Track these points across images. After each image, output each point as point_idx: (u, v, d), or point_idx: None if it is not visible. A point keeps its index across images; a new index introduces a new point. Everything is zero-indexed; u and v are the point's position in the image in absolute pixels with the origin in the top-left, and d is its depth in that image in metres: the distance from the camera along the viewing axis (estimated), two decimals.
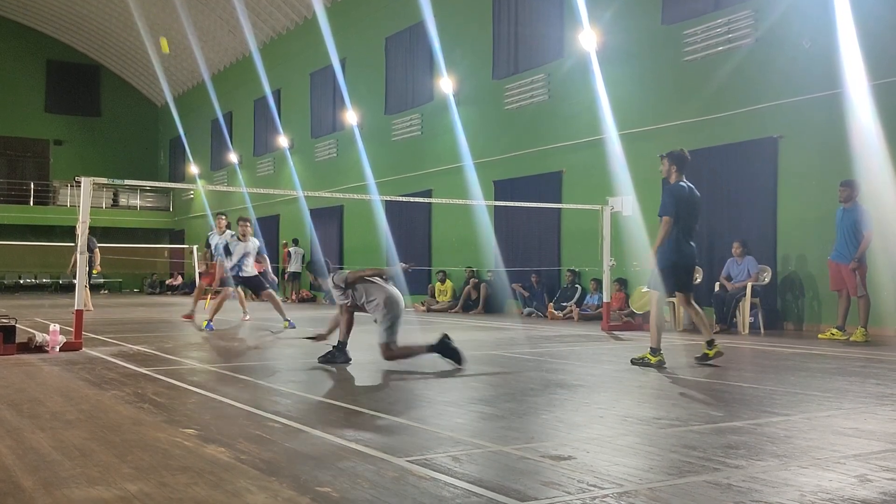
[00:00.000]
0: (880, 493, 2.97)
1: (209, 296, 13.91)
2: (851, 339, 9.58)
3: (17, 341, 7.82)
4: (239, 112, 29.04)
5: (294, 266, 23.00)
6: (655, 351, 6.95)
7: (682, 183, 7.18)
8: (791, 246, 11.61)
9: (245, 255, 11.98)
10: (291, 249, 23.12)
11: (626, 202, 13.87)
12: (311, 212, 23.39)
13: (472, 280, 16.86)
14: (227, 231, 12.77)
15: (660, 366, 6.88)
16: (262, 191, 13.80)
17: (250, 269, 12.12)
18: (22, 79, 33.64)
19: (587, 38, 14.58)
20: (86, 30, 33.19)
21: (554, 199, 14.83)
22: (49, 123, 34.41)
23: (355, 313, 7.18)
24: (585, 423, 4.42)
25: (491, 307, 16.34)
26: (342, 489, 3.00)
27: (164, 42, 19.11)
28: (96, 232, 13.08)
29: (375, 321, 6.89)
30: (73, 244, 16.52)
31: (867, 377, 6.32)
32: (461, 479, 3.13)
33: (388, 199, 18.18)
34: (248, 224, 12.24)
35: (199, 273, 13.27)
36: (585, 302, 14.35)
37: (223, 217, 13.19)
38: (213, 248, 12.85)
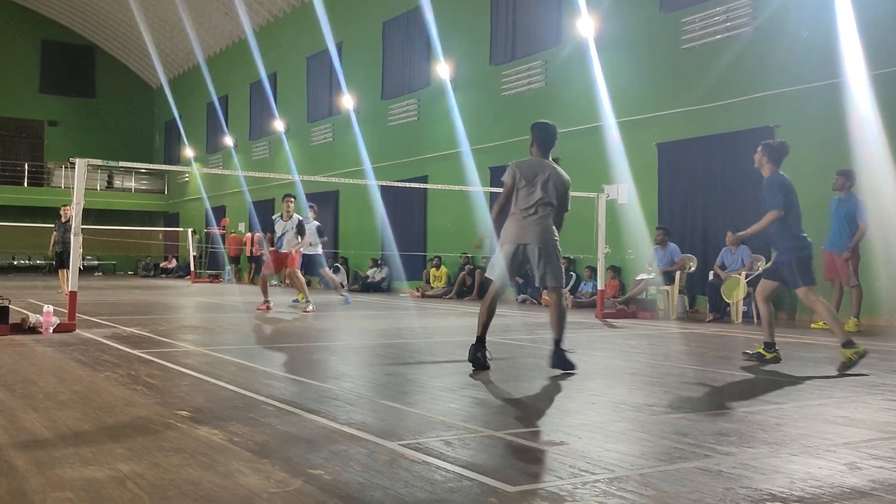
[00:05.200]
0: (869, 480, 2.99)
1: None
2: (843, 328, 9.60)
3: (10, 322, 7.81)
4: (235, 95, 28.91)
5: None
6: (848, 344, 6.01)
7: (781, 173, 6.32)
8: None
9: (284, 233, 11.91)
10: None
11: (622, 190, 13.87)
12: (307, 196, 23.32)
13: (467, 266, 16.88)
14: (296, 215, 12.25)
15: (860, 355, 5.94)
16: (257, 174, 13.85)
17: (285, 246, 11.96)
18: (16, 59, 33.42)
19: (585, 26, 14.53)
20: (81, 10, 32.95)
21: None
22: (43, 104, 34.22)
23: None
24: (578, 410, 4.44)
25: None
26: (334, 472, 3.01)
27: None
28: (90, 213, 12.98)
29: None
30: (52, 225, 16.53)
31: (858, 366, 6.34)
32: (453, 464, 3.14)
33: (384, 184, 18.15)
34: (292, 201, 12.09)
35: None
36: (580, 289, 14.37)
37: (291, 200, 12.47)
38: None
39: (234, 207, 28.44)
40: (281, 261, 12.07)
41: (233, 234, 26.21)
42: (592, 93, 14.43)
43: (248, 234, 24.67)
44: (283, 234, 11.94)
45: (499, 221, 5.98)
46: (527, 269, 6.07)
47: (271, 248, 11.97)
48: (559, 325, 5.74)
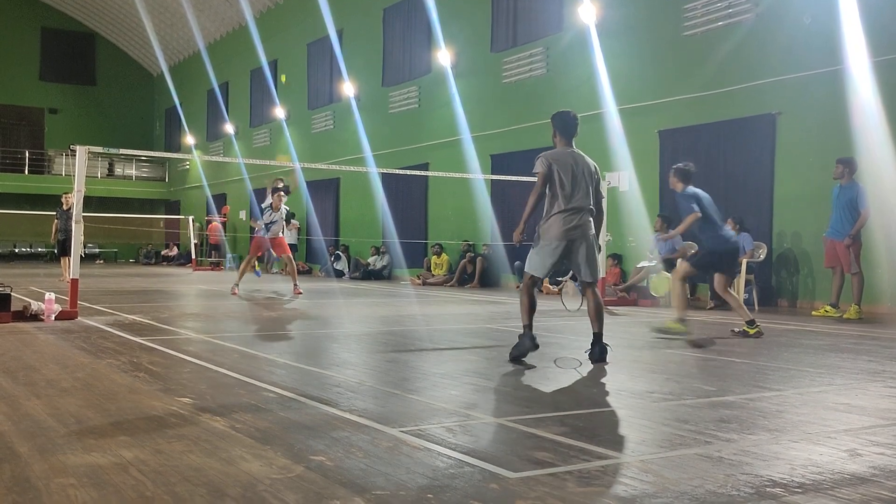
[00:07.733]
0: (870, 466, 3.00)
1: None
2: (845, 316, 9.62)
3: (12, 310, 7.83)
4: (235, 82, 28.81)
5: (290, 238, 22.96)
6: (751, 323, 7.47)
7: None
8: (786, 223, 11.62)
9: (273, 221, 12.74)
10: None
11: (624, 177, 13.85)
12: (308, 184, 23.31)
13: (468, 254, 16.87)
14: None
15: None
16: (258, 162, 13.82)
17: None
18: (16, 47, 33.29)
19: (586, 12, 14.46)
20: None
21: None
22: (44, 92, 34.11)
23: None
24: (579, 396, 4.45)
25: (487, 281, 16.36)
26: (336, 458, 3.02)
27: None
28: (91, 201, 13.03)
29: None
30: (54, 212, 16.53)
31: (860, 354, 6.36)
32: (455, 450, 3.15)
33: (385, 171, 18.11)
34: (282, 195, 12.94)
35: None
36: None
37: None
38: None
39: (234, 195, 28.42)
40: (262, 245, 12.80)
41: (212, 223, 26.96)
42: (594, 80, 14.38)
43: (215, 224, 25.77)
44: (272, 222, 12.62)
45: (532, 213, 5.83)
46: (563, 264, 5.94)
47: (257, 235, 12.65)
48: (600, 318, 5.72)
